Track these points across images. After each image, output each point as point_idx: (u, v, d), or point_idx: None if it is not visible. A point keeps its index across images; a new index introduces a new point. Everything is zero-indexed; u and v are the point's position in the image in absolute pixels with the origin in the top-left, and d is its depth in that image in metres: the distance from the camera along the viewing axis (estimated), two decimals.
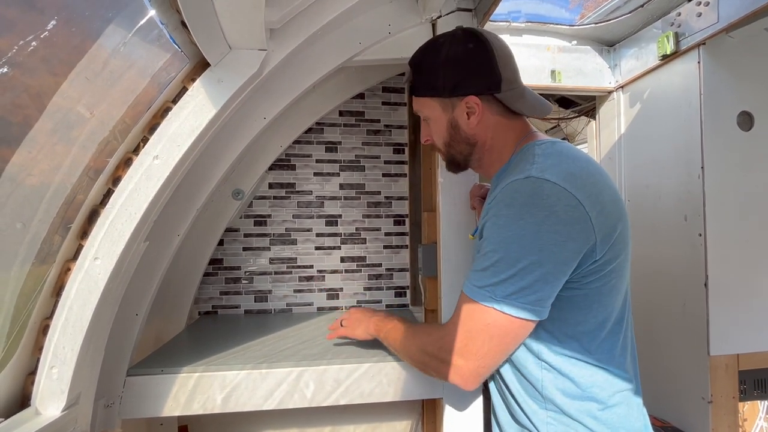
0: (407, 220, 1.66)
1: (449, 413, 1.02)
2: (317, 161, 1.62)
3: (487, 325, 0.65)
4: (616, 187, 0.72)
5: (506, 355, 0.70)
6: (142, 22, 0.69)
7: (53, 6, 0.63)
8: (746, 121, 1.28)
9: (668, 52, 1.35)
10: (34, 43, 0.58)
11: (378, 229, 1.65)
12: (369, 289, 1.64)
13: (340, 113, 1.62)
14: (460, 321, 0.68)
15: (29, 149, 0.69)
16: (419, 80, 0.82)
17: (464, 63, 0.77)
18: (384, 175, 1.65)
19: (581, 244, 0.64)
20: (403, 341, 0.83)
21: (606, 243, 0.66)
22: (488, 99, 0.77)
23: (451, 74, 0.77)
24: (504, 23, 1.58)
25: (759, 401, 1.56)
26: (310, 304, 1.61)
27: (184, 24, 0.69)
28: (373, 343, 1.15)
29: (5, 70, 0.60)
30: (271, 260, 1.59)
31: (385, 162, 1.65)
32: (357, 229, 1.64)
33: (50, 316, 0.77)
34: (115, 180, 0.80)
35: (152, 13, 0.68)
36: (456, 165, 0.87)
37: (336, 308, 1.62)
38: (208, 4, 0.63)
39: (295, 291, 1.60)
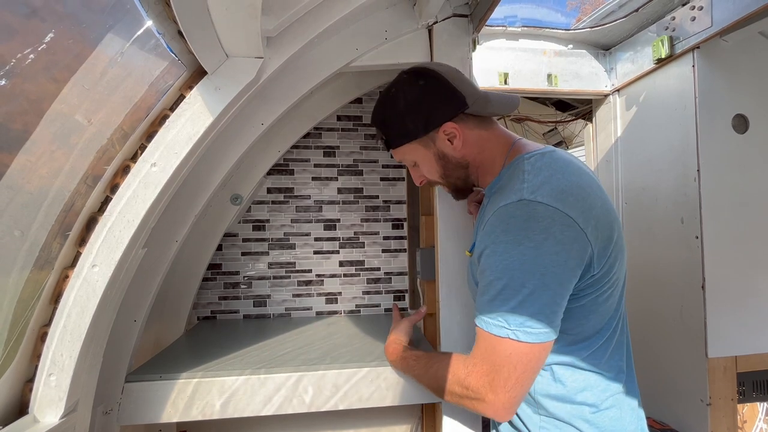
0: (405, 224, 1.67)
1: (448, 417, 1.02)
2: (315, 166, 1.62)
3: (509, 356, 0.64)
4: (606, 195, 0.72)
5: (533, 380, 0.67)
6: (139, 32, 0.70)
7: (53, 15, 0.64)
8: (741, 123, 1.29)
9: (663, 56, 1.36)
10: (32, 55, 0.59)
11: (376, 233, 1.65)
12: (368, 293, 1.64)
13: (338, 118, 1.63)
14: (481, 357, 0.67)
15: (28, 156, 0.69)
16: (390, 134, 0.84)
17: (424, 100, 0.79)
18: (382, 179, 1.66)
19: (581, 261, 0.65)
20: (430, 381, 0.80)
21: (603, 256, 0.67)
22: (461, 118, 0.78)
23: (417, 115, 0.79)
24: (500, 28, 1.59)
25: (758, 403, 1.56)
26: (309, 309, 1.61)
27: (181, 33, 0.70)
28: (372, 348, 1.16)
29: (5, 77, 0.60)
30: (270, 265, 1.59)
31: (383, 166, 1.66)
32: (355, 233, 1.64)
33: (48, 324, 0.77)
34: (113, 187, 0.81)
35: (149, 23, 0.69)
36: (461, 191, 0.88)
37: (335, 312, 1.62)
38: (205, 14, 0.64)
39: (294, 295, 1.60)
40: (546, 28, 1.62)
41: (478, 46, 1.58)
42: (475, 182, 0.86)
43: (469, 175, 0.83)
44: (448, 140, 0.78)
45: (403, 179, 1.67)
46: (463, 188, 0.87)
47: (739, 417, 1.32)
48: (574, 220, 0.64)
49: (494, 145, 0.80)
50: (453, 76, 0.79)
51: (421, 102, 0.78)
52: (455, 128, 0.77)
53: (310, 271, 1.61)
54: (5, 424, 0.72)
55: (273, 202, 1.60)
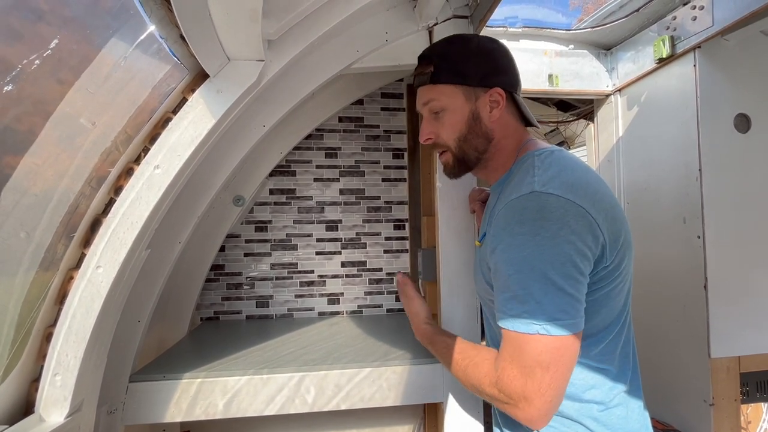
0: (407, 225, 1.67)
1: (450, 417, 1.02)
2: (317, 167, 1.63)
3: (539, 355, 0.60)
4: (613, 194, 0.73)
5: (568, 378, 0.62)
6: (142, 37, 0.71)
7: (59, 19, 0.65)
8: (743, 123, 1.29)
9: (664, 56, 1.35)
10: (38, 60, 0.60)
11: (378, 234, 1.66)
12: (370, 293, 1.65)
13: (340, 119, 1.64)
14: (510, 359, 0.63)
15: (34, 158, 0.70)
16: (445, 67, 0.79)
17: (494, 57, 0.79)
18: (384, 180, 1.66)
19: (595, 250, 0.64)
20: (457, 372, 0.75)
21: (615, 247, 0.67)
22: (508, 98, 0.79)
23: (482, 63, 0.78)
24: (501, 29, 1.59)
25: (762, 403, 1.55)
26: (311, 309, 1.62)
27: (183, 37, 0.71)
28: (374, 348, 1.16)
29: (12, 82, 0.61)
30: (272, 266, 1.60)
31: (385, 167, 1.67)
32: (357, 234, 1.65)
33: (53, 324, 0.78)
34: (117, 189, 0.82)
35: (152, 28, 0.70)
36: (465, 164, 0.82)
37: (337, 313, 1.63)
38: (206, 18, 0.65)
39: (297, 296, 1.61)
40: (547, 28, 1.62)
41: None
42: (484, 165, 0.83)
43: (486, 151, 0.80)
44: (490, 105, 0.78)
45: (404, 180, 1.67)
46: (469, 163, 0.82)
47: (743, 418, 1.32)
48: (586, 210, 0.63)
49: (513, 138, 0.81)
50: (514, 65, 0.82)
51: (490, 56, 0.79)
52: (502, 97, 0.77)
53: (312, 271, 1.62)
54: (12, 423, 0.73)
55: (275, 204, 1.61)
